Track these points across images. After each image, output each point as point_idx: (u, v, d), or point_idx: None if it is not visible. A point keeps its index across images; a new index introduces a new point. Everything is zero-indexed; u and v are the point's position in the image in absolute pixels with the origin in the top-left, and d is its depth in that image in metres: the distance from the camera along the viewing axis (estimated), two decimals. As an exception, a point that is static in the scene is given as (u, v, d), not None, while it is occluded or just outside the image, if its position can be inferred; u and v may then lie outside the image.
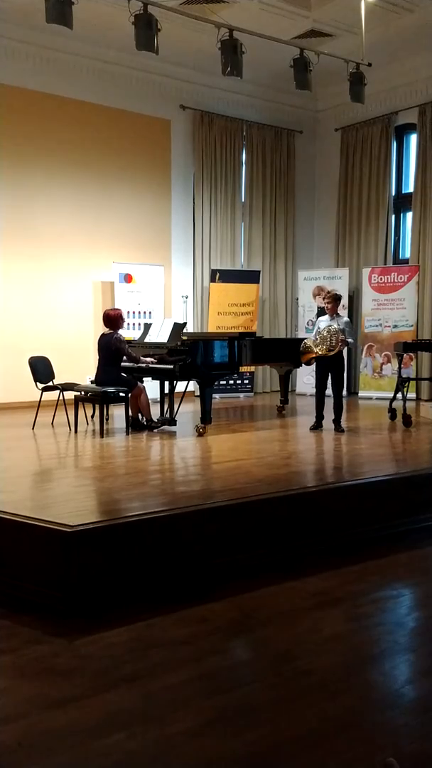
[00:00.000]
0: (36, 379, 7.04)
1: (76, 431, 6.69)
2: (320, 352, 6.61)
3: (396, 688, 2.72)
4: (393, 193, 10.26)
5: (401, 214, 10.40)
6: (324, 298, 6.86)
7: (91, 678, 2.74)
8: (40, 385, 7.05)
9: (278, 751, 2.28)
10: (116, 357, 6.62)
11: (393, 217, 10.30)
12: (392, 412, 7.57)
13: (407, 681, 2.79)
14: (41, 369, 7.13)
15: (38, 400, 7.10)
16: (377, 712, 2.51)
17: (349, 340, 6.67)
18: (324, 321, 6.76)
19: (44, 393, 7.06)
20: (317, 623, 3.26)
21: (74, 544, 3.40)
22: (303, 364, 7.19)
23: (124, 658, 2.90)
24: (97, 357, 6.83)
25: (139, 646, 3.01)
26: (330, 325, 6.62)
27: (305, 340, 6.89)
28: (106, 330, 6.74)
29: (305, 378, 10.05)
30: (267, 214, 10.69)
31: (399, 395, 7.44)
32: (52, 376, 7.17)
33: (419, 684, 2.72)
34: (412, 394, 8.76)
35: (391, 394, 7.88)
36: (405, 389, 7.39)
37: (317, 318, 7.42)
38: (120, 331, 6.74)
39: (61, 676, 2.75)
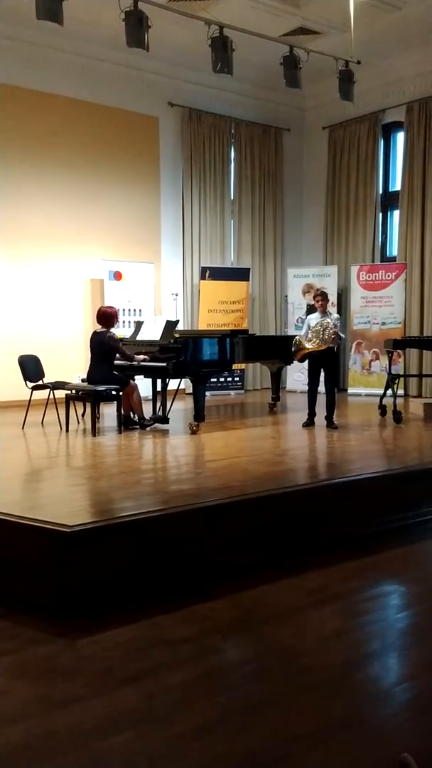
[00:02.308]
0: (26, 378, 7.00)
1: (67, 430, 6.65)
2: (312, 347, 6.65)
3: (399, 684, 2.74)
4: (380, 191, 10.31)
5: (388, 212, 10.46)
6: (315, 296, 6.91)
7: (94, 678, 2.73)
8: (30, 384, 7.00)
9: (284, 749, 2.28)
10: (110, 355, 6.59)
11: (380, 215, 10.35)
12: (382, 409, 7.62)
13: (410, 677, 2.80)
14: (31, 368, 7.08)
15: (28, 399, 7.05)
16: (381, 709, 2.52)
17: (341, 334, 6.74)
18: (314, 318, 6.80)
19: (34, 392, 7.02)
20: (318, 620, 3.27)
21: (74, 544, 3.38)
22: (296, 361, 7.22)
23: (126, 657, 2.89)
24: (89, 355, 6.79)
25: (140, 645, 3.00)
26: (320, 322, 6.67)
27: (296, 338, 6.92)
28: (99, 327, 6.70)
29: (296, 375, 10.07)
30: (256, 211, 10.70)
31: (389, 392, 7.48)
32: (42, 375, 7.12)
33: (422, 680, 2.74)
34: (400, 391, 8.81)
35: (380, 391, 7.93)
36: (395, 386, 7.44)
37: (306, 316, 7.45)
38: (112, 329, 6.71)
39: (63, 677, 2.74)
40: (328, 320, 6.65)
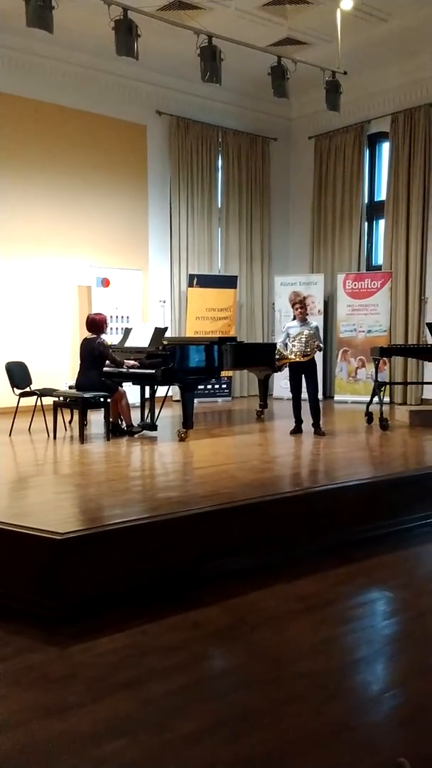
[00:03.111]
0: (13, 385, 6.96)
1: (55, 437, 6.63)
2: (296, 359, 6.74)
3: (389, 690, 2.76)
4: (366, 201, 10.42)
5: (374, 222, 10.56)
6: (293, 304, 7.01)
7: (86, 685, 2.72)
8: (17, 391, 6.96)
9: (279, 754, 2.30)
10: (99, 361, 6.59)
11: (366, 224, 10.46)
12: (369, 416, 7.68)
13: (399, 683, 2.83)
14: (18, 374, 7.04)
15: (15, 406, 7.02)
16: (372, 715, 2.54)
17: (321, 345, 6.90)
18: (294, 327, 6.88)
19: (21, 399, 6.98)
20: (309, 626, 3.29)
21: (64, 552, 3.37)
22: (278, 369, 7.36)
23: (118, 664, 2.89)
24: (77, 361, 6.78)
25: (133, 652, 3.00)
26: (302, 332, 6.75)
27: (278, 348, 7.01)
28: (89, 334, 6.70)
29: (282, 382, 10.09)
30: (243, 219, 10.77)
31: (375, 399, 7.55)
32: (29, 382, 7.09)
33: (413, 684, 2.77)
34: (386, 398, 8.88)
35: (366, 398, 8.00)
36: (381, 393, 7.51)
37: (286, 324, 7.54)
38: (102, 336, 6.72)
39: (56, 684, 2.73)
40: (307, 331, 6.75)
